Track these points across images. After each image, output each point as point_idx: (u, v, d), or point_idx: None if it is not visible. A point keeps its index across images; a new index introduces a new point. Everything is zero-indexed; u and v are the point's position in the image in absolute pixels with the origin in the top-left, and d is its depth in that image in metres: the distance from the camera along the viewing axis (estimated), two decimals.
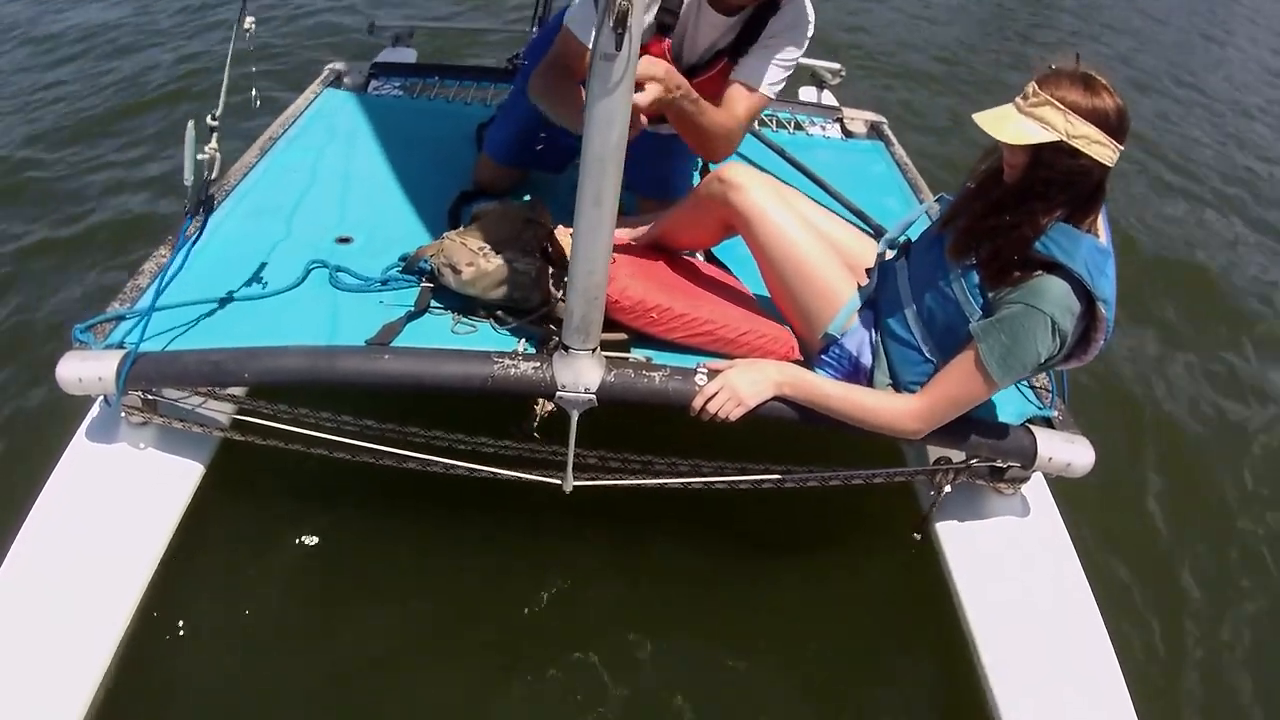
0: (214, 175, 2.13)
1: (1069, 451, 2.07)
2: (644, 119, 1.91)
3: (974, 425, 2.02)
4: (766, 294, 2.24)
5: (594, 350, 1.89)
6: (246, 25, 2.13)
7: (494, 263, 2.08)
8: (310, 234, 2.45)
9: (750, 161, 3.15)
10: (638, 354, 2.06)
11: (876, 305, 2.10)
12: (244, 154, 2.82)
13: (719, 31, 2.27)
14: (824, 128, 3.84)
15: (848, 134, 3.83)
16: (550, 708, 2.02)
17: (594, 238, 1.71)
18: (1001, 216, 1.78)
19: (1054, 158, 1.69)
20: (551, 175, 2.78)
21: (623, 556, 2.33)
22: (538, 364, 1.90)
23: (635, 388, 1.92)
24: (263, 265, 2.24)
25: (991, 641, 2.01)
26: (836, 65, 4.70)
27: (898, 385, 2.02)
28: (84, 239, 3.61)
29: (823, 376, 2.02)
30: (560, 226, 2.25)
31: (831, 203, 2.94)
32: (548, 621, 2.19)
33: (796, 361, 2.11)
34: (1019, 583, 2.13)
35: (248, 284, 2.17)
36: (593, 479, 2.00)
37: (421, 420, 2.01)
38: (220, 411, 2.11)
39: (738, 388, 1.90)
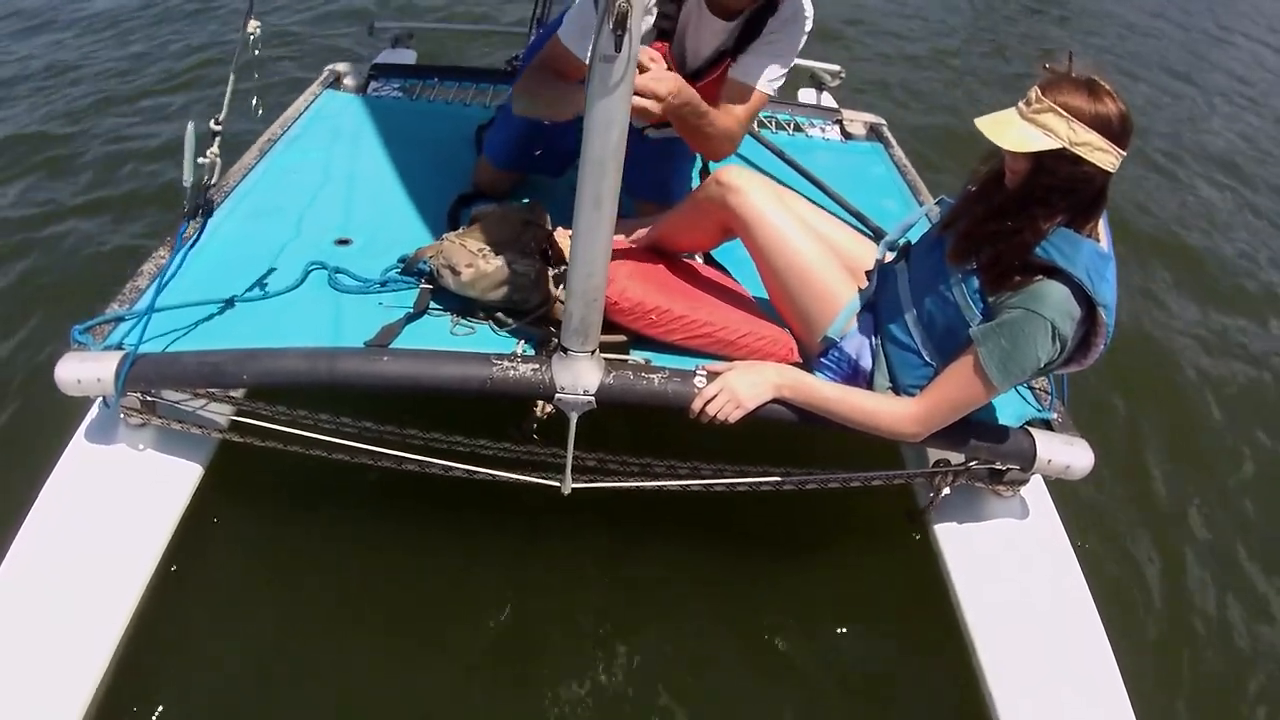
0: (214, 179, 2.13)
1: (1068, 454, 2.07)
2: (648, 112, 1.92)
3: (973, 428, 2.02)
4: (765, 296, 2.24)
5: (593, 352, 1.89)
6: (251, 29, 2.13)
7: (493, 264, 2.08)
8: (309, 235, 2.45)
9: (749, 163, 3.16)
10: (637, 356, 2.06)
11: (876, 308, 2.10)
12: (243, 155, 2.82)
13: (719, 36, 2.27)
14: (823, 129, 3.84)
15: (847, 136, 3.82)
16: (549, 708, 2.02)
17: (593, 240, 1.71)
18: (1003, 222, 1.78)
19: (1056, 164, 1.68)
20: (551, 178, 2.78)
21: (621, 558, 2.33)
22: (537, 366, 1.90)
23: (634, 390, 1.92)
24: (262, 267, 2.24)
25: (990, 643, 2.01)
26: (836, 67, 4.70)
27: (897, 388, 2.02)
28: (84, 238, 3.61)
29: (822, 379, 2.02)
30: (559, 229, 2.25)
31: (830, 205, 2.94)
32: (547, 622, 2.19)
33: (795, 364, 2.10)
34: (1018, 584, 2.13)
35: (247, 285, 2.16)
36: (591, 481, 2.00)
37: (420, 422, 2.01)
38: (219, 413, 2.11)
39: (737, 390, 1.90)
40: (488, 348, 2.01)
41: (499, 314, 2.13)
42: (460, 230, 2.26)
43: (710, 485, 2.07)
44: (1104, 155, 1.66)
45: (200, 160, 2.06)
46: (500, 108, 3.20)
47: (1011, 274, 1.77)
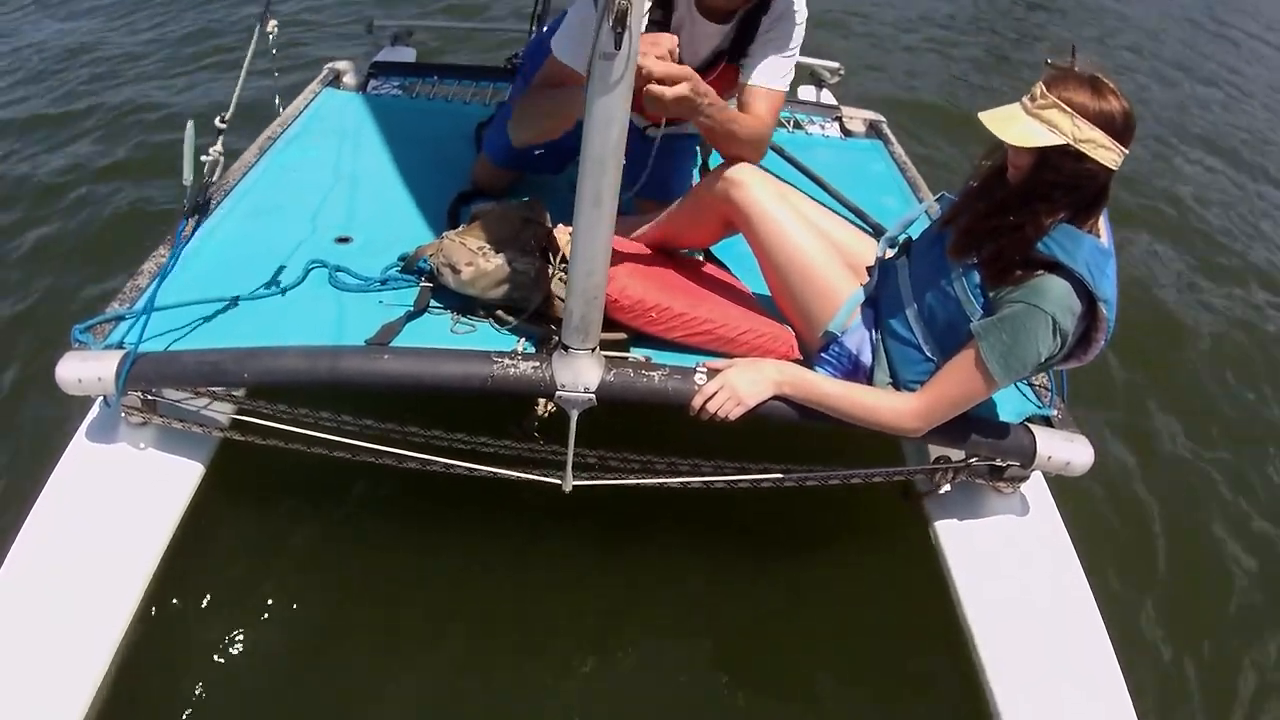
0: (217, 176, 2.12)
1: (1068, 450, 2.07)
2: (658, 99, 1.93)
3: (973, 424, 2.02)
4: (766, 293, 2.24)
5: (593, 350, 1.89)
6: (270, 28, 2.12)
7: (493, 262, 2.08)
8: (309, 234, 2.45)
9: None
10: (637, 353, 2.06)
11: (877, 304, 2.10)
12: (243, 154, 2.82)
13: (714, 39, 2.28)
14: (823, 127, 3.84)
15: (846, 133, 3.83)
16: (551, 705, 2.03)
17: (593, 238, 1.71)
18: (1004, 217, 1.78)
19: (1060, 160, 1.69)
20: (551, 175, 2.77)
21: (622, 556, 2.33)
22: (537, 363, 1.90)
23: (635, 387, 1.92)
24: (262, 265, 2.24)
25: (990, 639, 2.01)
26: (835, 64, 4.70)
27: (898, 384, 2.02)
28: (84, 237, 3.61)
29: (822, 375, 2.02)
30: (560, 226, 2.25)
31: (831, 201, 2.94)
32: (547, 620, 2.19)
33: (796, 360, 2.11)
34: (1018, 581, 2.13)
35: (247, 284, 2.16)
36: (592, 478, 2.00)
37: (421, 420, 2.01)
38: (220, 412, 2.11)
39: (737, 387, 1.90)
40: (488, 345, 2.01)
41: (499, 312, 2.13)
42: (460, 228, 2.26)
43: (711, 482, 2.07)
44: (1107, 153, 1.67)
45: (203, 158, 2.05)
46: (500, 105, 3.20)
47: (1013, 269, 1.78)
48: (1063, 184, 1.71)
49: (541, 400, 1.94)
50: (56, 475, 2.01)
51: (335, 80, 3.51)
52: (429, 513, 2.30)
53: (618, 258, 2.01)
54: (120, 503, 2.00)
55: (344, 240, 2.44)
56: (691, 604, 2.28)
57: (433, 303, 2.16)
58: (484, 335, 2.09)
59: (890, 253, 2.17)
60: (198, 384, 1.98)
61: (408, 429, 1.99)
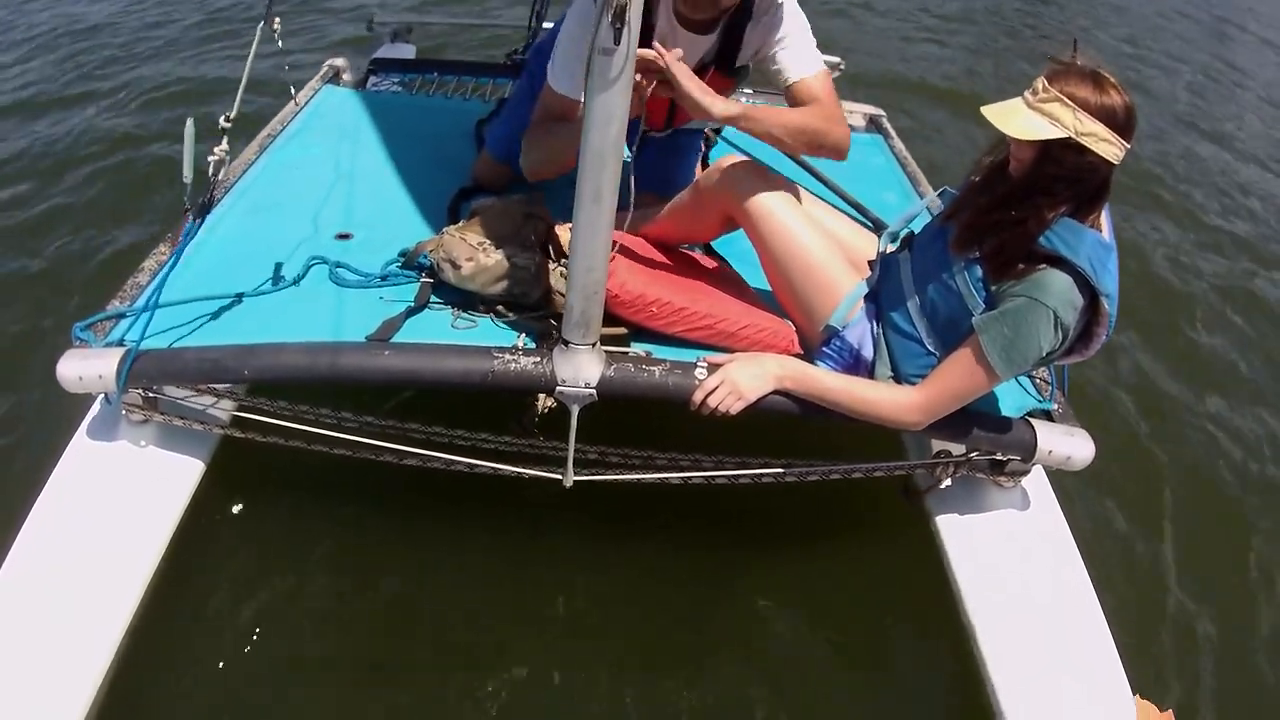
0: (221, 176, 2.12)
1: (1069, 444, 2.07)
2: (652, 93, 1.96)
3: (974, 418, 2.02)
4: (767, 287, 2.24)
5: (594, 345, 1.89)
6: (275, 26, 2.11)
7: (493, 258, 2.08)
8: (310, 230, 2.45)
9: (749, 155, 3.15)
10: (638, 348, 2.06)
11: (878, 298, 2.10)
12: (243, 151, 2.82)
13: (700, 48, 2.26)
14: None
15: None
16: (552, 701, 2.03)
17: (593, 233, 1.71)
18: (1006, 211, 1.79)
19: (1062, 154, 1.69)
20: None
21: (623, 551, 2.33)
22: (538, 359, 1.90)
23: (635, 382, 1.92)
24: (262, 262, 2.24)
25: (992, 633, 2.01)
26: (836, 59, 4.68)
27: (899, 377, 2.02)
28: (85, 234, 3.61)
29: (823, 369, 2.03)
30: (560, 223, 2.25)
31: (830, 196, 2.93)
32: (548, 616, 2.19)
33: (797, 355, 2.11)
34: (1019, 575, 2.13)
35: (247, 281, 2.16)
36: (593, 474, 2.00)
37: (422, 416, 2.01)
38: (221, 409, 2.11)
39: (738, 382, 1.90)
40: (489, 341, 2.01)
41: (500, 307, 2.13)
42: (460, 224, 2.26)
43: (712, 477, 2.07)
44: (1108, 146, 1.67)
45: (209, 158, 2.05)
46: (500, 101, 3.21)
47: (1015, 263, 1.78)
48: (1064, 177, 1.72)
49: (542, 396, 1.94)
50: (57, 473, 2.01)
51: (335, 77, 3.51)
52: (430, 509, 2.31)
53: (618, 253, 2.01)
54: (121, 500, 2.00)
55: (344, 237, 2.44)
56: (692, 599, 2.28)
57: (433, 298, 2.16)
58: (485, 331, 2.09)
59: (892, 247, 2.17)
60: (198, 381, 1.98)
61: (408, 425, 1.99)
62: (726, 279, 2.35)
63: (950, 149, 5.27)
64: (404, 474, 2.03)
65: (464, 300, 2.15)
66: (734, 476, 2.08)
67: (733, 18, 2.22)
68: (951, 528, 2.23)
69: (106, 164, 4.21)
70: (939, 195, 2.15)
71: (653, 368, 1.94)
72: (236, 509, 2.28)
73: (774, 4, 2.22)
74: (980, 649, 2.00)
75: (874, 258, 2.18)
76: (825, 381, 1.95)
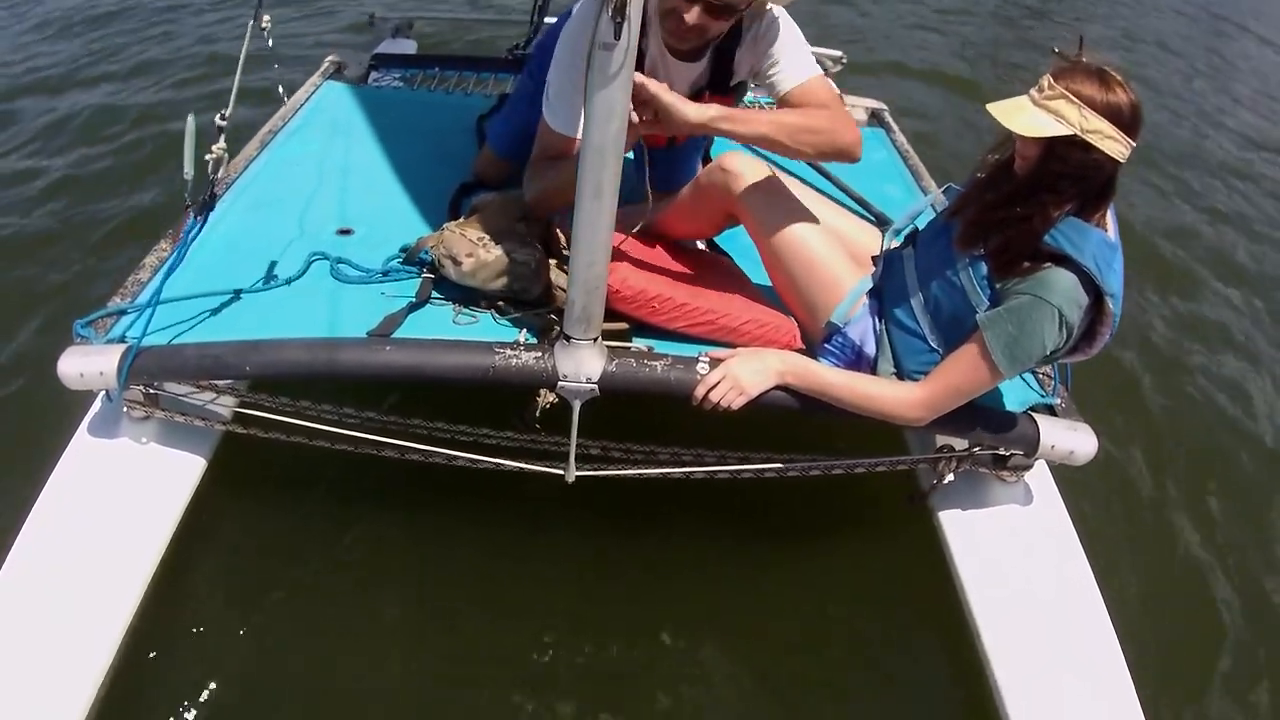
0: (220, 174, 2.12)
1: (1071, 439, 2.06)
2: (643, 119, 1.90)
3: (976, 413, 2.02)
4: (768, 283, 2.24)
5: (595, 340, 1.88)
6: (264, 24, 2.11)
7: (493, 253, 2.08)
8: (311, 226, 2.44)
9: (751, 150, 3.14)
10: (639, 343, 2.06)
11: (881, 294, 2.09)
12: (245, 147, 2.82)
13: (691, 73, 2.23)
14: None
15: None
16: (553, 697, 2.03)
17: (594, 229, 1.70)
18: (1012, 209, 1.78)
19: (1067, 151, 1.69)
20: None
21: (624, 547, 2.33)
22: (539, 354, 1.90)
23: (637, 377, 1.92)
24: (264, 258, 2.24)
25: (994, 628, 2.01)
26: (838, 53, 4.68)
27: (901, 374, 2.01)
28: (85, 233, 3.61)
29: (825, 365, 2.02)
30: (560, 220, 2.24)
31: (832, 190, 2.93)
32: (549, 611, 2.19)
33: (798, 350, 2.10)
34: (1022, 570, 2.13)
35: (249, 277, 2.16)
36: (595, 469, 2.00)
37: (423, 411, 2.01)
38: (222, 405, 2.11)
39: (740, 377, 1.90)
40: (490, 336, 2.00)
41: (501, 303, 2.13)
42: (461, 220, 2.26)
43: (714, 472, 2.07)
44: (1114, 144, 1.66)
45: (207, 155, 2.05)
46: (502, 96, 3.20)
47: (1020, 261, 1.77)
48: (1070, 175, 1.71)
49: (544, 391, 1.94)
50: (59, 470, 2.01)
51: (336, 73, 3.51)
52: (431, 505, 2.30)
53: (619, 248, 2.01)
54: (122, 497, 2.00)
55: (345, 232, 2.43)
56: (694, 594, 2.28)
57: (434, 294, 2.16)
58: (486, 326, 2.09)
59: (895, 244, 2.17)
60: (200, 378, 1.98)
61: (410, 421, 1.99)
62: (728, 274, 2.34)
63: (951, 136, 5.27)
64: (405, 470, 2.03)
65: (465, 296, 2.14)
66: (736, 471, 2.08)
67: (722, 42, 2.16)
68: (954, 523, 2.23)
69: (114, 157, 4.21)
70: (943, 192, 2.15)
71: (654, 363, 1.94)
72: (238, 505, 2.28)
73: (764, 22, 2.17)
74: (983, 644, 2.00)
75: (876, 253, 2.17)
76: (827, 377, 1.95)
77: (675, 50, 2.15)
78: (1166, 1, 10.16)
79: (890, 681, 2.19)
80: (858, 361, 2.07)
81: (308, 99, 3.23)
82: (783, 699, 2.10)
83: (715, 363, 1.95)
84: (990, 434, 2.05)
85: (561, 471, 1.98)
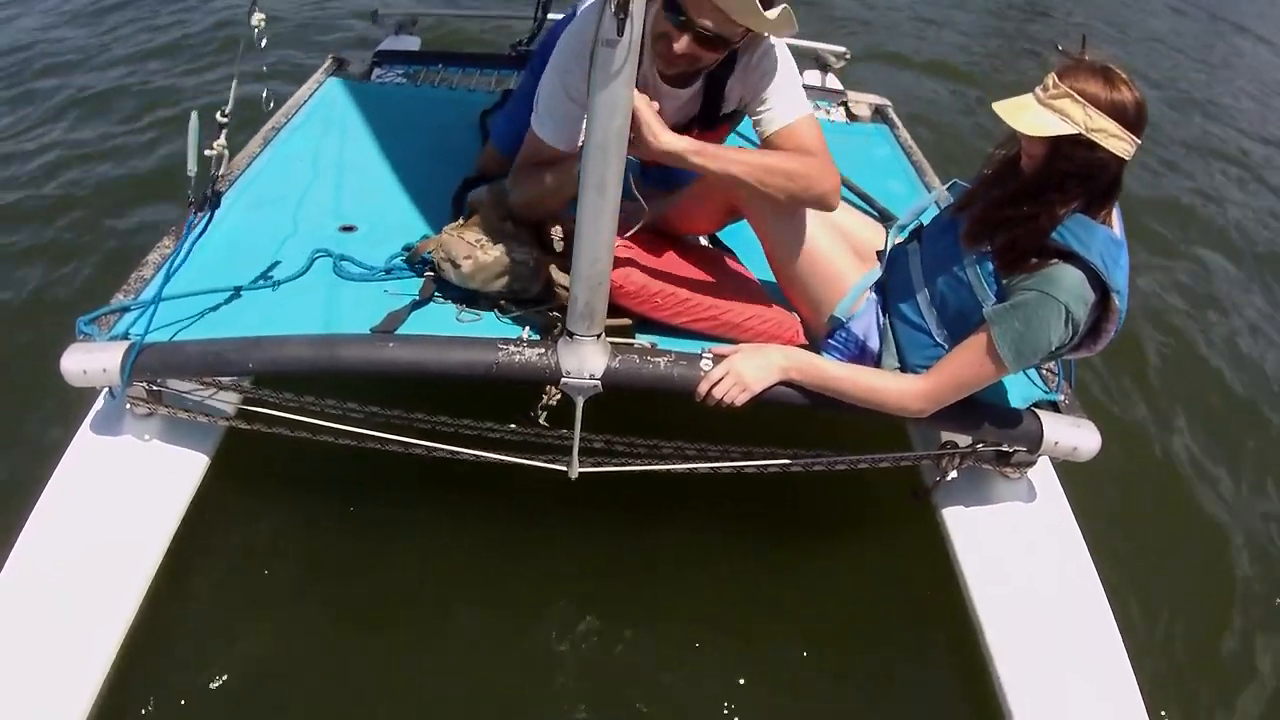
0: (221, 171, 2.12)
1: (1075, 436, 2.06)
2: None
3: (979, 409, 2.02)
4: (772, 278, 2.23)
5: (598, 336, 1.88)
6: (255, 21, 2.11)
7: (491, 254, 2.07)
8: (314, 223, 2.44)
9: (754, 145, 3.14)
10: (642, 339, 2.06)
11: (886, 289, 2.09)
12: (247, 144, 2.82)
13: (682, 102, 2.20)
14: (828, 111, 3.83)
15: (852, 117, 3.81)
16: (554, 694, 2.03)
17: (597, 225, 1.70)
18: (1019, 206, 1.78)
19: (1072, 150, 1.69)
20: None
21: (627, 542, 2.33)
22: (542, 350, 1.90)
23: (640, 373, 1.92)
24: (267, 255, 2.24)
25: (997, 625, 2.01)
26: (841, 49, 4.68)
27: (905, 368, 2.02)
28: (86, 232, 3.61)
29: (828, 360, 2.02)
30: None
31: None
32: (551, 607, 2.19)
33: (802, 346, 2.10)
34: (1025, 567, 2.13)
35: (252, 274, 2.16)
36: (598, 465, 2.00)
37: (426, 407, 2.01)
38: (225, 401, 2.11)
39: (743, 373, 1.90)
40: (493, 333, 2.00)
41: (503, 302, 2.12)
42: (459, 222, 2.25)
43: (717, 468, 2.07)
44: (1119, 142, 1.66)
45: (207, 152, 2.05)
46: (506, 93, 3.20)
47: (1027, 257, 1.78)
48: (1076, 173, 1.71)
49: (547, 387, 1.94)
50: (62, 467, 2.02)
51: (339, 69, 3.50)
52: (434, 500, 2.31)
53: (622, 243, 2.00)
54: (126, 493, 2.01)
55: (348, 229, 2.43)
56: (696, 590, 2.28)
57: (437, 292, 2.16)
58: (489, 324, 2.09)
59: (900, 240, 2.17)
60: (203, 374, 1.98)
61: (413, 416, 2.00)
62: (731, 270, 2.34)
63: (954, 128, 5.26)
64: (408, 465, 2.03)
65: (467, 296, 2.14)
66: (739, 467, 2.08)
67: (715, 70, 2.12)
68: (957, 520, 2.22)
69: (106, 165, 4.21)
70: (949, 188, 2.14)
71: (658, 359, 1.94)
72: (241, 501, 2.28)
73: (758, 52, 2.10)
74: (986, 641, 2.00)
75: (880, 248, 2.17)
76: (830, 371, 1.95)
77: (666, 76, 2.12)
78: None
79: (892, 678, 2.19)
80: (861, 356, 2.07)
81: (310, 95, 3.23)
82: (785, 695, 2.10)
83: (719, 359, 1.95)
84: (994, 430, 2.05)
85: (564, 467, 1.98)
